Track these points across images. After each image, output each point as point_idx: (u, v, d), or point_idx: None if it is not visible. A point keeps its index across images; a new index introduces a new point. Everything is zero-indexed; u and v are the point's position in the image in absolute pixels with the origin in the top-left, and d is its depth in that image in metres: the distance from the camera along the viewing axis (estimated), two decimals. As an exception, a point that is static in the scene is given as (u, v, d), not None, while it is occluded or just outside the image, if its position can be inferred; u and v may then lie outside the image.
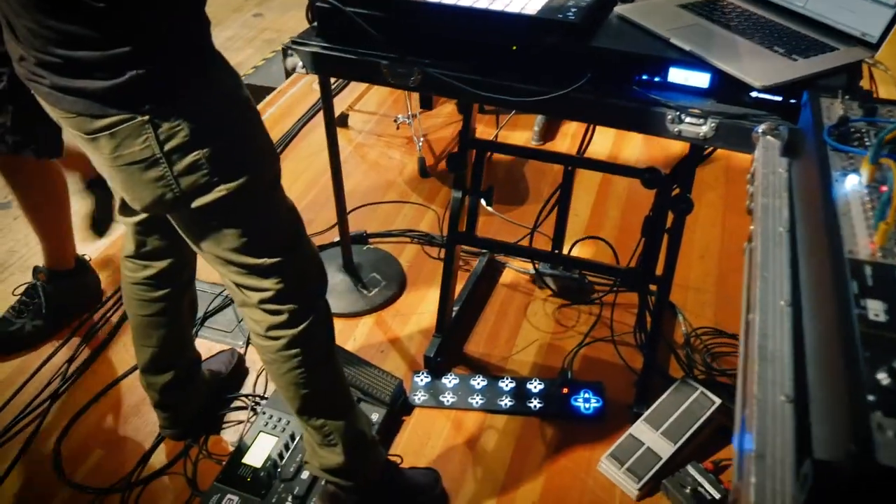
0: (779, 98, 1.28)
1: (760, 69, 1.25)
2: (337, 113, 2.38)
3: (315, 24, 1.60)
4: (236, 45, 4.04)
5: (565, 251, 1.92)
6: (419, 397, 1.94)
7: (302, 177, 2.82)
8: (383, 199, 2.69)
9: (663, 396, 1.82)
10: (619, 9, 1.46)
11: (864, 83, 1.33)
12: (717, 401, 1.80)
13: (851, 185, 0.81)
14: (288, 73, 1.64)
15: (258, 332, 1.37)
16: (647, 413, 1.79)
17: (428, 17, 1.46)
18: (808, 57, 1.29)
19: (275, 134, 3.04)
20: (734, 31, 1.37)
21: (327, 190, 2.56)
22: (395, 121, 2.98)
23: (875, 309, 0.66)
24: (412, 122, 2.91)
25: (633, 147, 2.95)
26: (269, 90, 3.43)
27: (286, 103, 3.32)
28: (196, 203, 1.19)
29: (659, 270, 1.80)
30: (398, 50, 1.48)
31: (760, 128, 1.13)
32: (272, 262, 1.29)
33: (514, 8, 1.41)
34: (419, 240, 2.50)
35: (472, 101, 1.77)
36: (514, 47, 1.43)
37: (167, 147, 1.12)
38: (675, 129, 1.33)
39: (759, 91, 1.24)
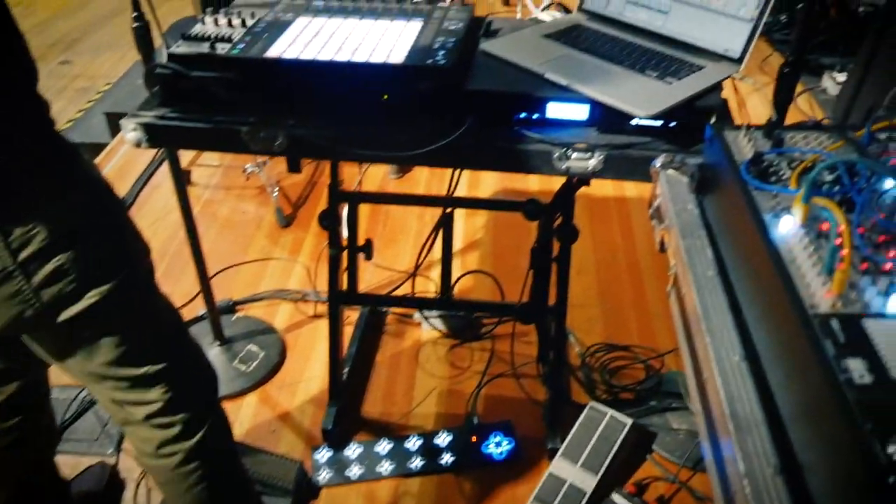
0: (659, 123, 1.26)
1: (639, 97, 1.23)
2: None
3: (155, 90, 1.44)
4: (45, 98, 3.69)
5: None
6: (323, 476, 1.80)
7: (150, 245, 2.57)
8: (245, 260, 2.51)
9: (575, 427, 1.79)
10: (485, 46, 1.41)
11: (729, 96, 1.35)
12: (628, 421, 1.78)
13: (787, 228, 0.78)
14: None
15: (148, 451, 1.19)
16: (563, 448, 1.75)
17: (288, 76, 1.34)
18: (680, 78, 1.28)
19: (110, 202, 2.78)
20: (604, 59, 1.35)
21: (181, 257, 2.36)
22: (244, 171, 2.80)
23: (858, 369, 0.62)
24: (262, 170, 2.75)
25: (491, 174, 2.93)
26: (95, 147, 3.12)
27: (119, 163, 3.04)
28: (63, 316, 1.02)
29: (551, 300, 1.77)
30: (258, 112, 1.34)
31: (658, 161, 1.10)
32: (156, 369, 1.13)
33: (378, 57, 1.32)
34: (292, 298, 2.35)
35: (348, 160, 1.65)
36: (385, 97, 1.34)
37: (22, 256, 0.95)
38: (563, 167, 1.28)
39: (641, 118, 1.23)
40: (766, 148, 0.91)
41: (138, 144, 1.43)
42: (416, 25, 1.43)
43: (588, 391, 1.97)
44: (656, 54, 1.36)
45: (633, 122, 1.26)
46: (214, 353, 2.10)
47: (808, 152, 0.89)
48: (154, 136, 1.41)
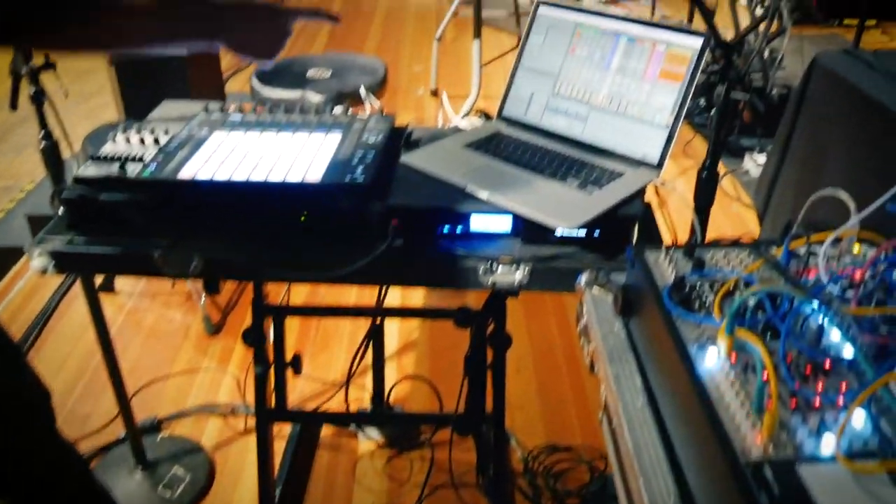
0: (583, 233, 1.25)
1: (560, 208, 1.22)
2: (99, 278, 2.09)
3: (62, 212, 1.37)
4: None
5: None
6: None
7: (68, 362, 2.44)
8: (171, 372, 2.39)
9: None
10: (406, 158, 1.39)
11: (650, 198, 1.35)
12: (575, 532, 1.71)
13: (713, 361, 0.75)
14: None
15: None
16: (508, 566, 1.67)
17: (201, 197, 1.29)
18: (601, 186, 1.28)
19: (26, 314, 2.64)
20: (525, 168, 1.34)
21: (101, 373, 2.23)
22: (170, 278, 2.71)
23: (797, 525, 0.58)
24: (190, 276, 2.65)
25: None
26: (15, 252, 2.98)
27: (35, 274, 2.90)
28: None
29: (489, 406, 1.71)
30: (171, 235, 1.28)
31: (583, 278, 1.08)
32: None
33: (296, 175, 1.28)
34: (220, 413, 2.23)
35: (266, 280, 1.59)
36: (304, 217, 1.29)
37: None
38: (489, 281, 1.25)
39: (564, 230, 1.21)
40: (688, 270, 0.89)
41: (44, 272, 1.35)
42: (334, 138, 1.41)
43: (532, 500, 1.89)
44: (576, 162, 1.36)
45: (557, 232, 1.25)
46: (136, 480, 1.96)
47: (729, 274, 0.87)
48: (61, 262, 1.33)
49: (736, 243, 0.93)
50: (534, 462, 2.01)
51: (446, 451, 2.00)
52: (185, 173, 1.30)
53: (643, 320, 0.89)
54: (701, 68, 1.28)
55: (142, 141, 1.41)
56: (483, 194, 1.26)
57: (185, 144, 1.39)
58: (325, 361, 2.40)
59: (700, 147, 3.67)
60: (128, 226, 1.29)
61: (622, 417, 0.84)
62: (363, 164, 1.31)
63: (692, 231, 1.34)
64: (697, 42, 1.29)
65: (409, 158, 1.38)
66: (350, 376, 1.83)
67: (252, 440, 2.09)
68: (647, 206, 1.34)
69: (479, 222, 1.28)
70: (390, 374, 2.29)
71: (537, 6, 1.49)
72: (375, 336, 1.69)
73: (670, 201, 1.36)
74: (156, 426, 2.16)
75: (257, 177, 1.28)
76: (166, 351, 2.49)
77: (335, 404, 2.18)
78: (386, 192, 1.29)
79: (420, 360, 2.39)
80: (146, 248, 1.29)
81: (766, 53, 3.85)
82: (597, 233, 1.25)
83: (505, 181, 1.30)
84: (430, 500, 1.92)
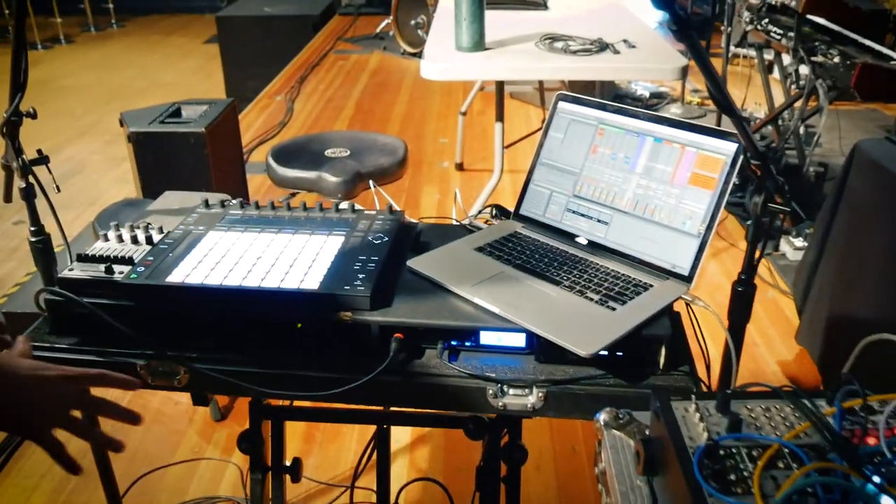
0: (604, 353, 1.13)
1: (579, 330, 1.10)
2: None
3: (45, 316, 1.28)
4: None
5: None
6: None
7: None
8: (171, 461, 2.28)
9: None
10: (412, 263, 1.29)
11: (680, 307, 1.23)
12: None
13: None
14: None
15: None
16: None
17: (190, 304, 1.20)
18: (624, 302, 1.16)
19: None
20: (541, 278, 1.23)
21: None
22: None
23: None
24: (199, 357, 2.56)
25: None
26: (35, 317, 2.91)
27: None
28: None
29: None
30: (157, 345, 1.19)
31: (602, 416, 0.95)
32: None
33: (292, 281, 1.19)
34: (221, 509, 2.11)
35: (256, 397, 1.49)
36: (300, 325, 1.20)
37: None
38: (500, 404, 1.13)
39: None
40: (722, 428, 0.76)
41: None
42: (336, 240, 1.31)
43: None
44: (598, 271, 1.25)
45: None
46: (125, 586, 1.83)
47: (771, 438, 0.74)
48: (39, 369, 1.24)
49: (779, 393, 0.81)
50: (552, 579, 1.85)
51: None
52: (175, 277, 1.21)
53: (669, 489, 0.76)
54: (735, 175, 1.17)
55: (134, 239, 1.33)
56: (495, 309, 1.15)
57: (177, 244, 1.31)
58: (331, 458, 2.27)
59: (733, 228, 3.54)
60: (113, 332, 1.20)
61: None
62: (365, 271, 1.21)
63: (725, 349, 1.22)
64: (731, 147, 1.18)
65: (417, 264, 1.28)
66: (354, 480, 1.71)
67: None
68: (677, 317, 1.22)
69: (490, 338, 1.17)
70: (400, 472, 2.16)
71: (557, 101, 1.40)
72: (381, 442, 1.57)
73: (704, 326, 1.25)
74: (151, 523, 2.04)
75: (251, 282, 1.19)
76: (170, 437, 2.38)
77: (341, 506, 2.05)
78: (389, 301, 1.19)
79: (433, 459, 2.25)
80: (131, 358, 1.21)
81: (801, 129, 3.74)
82: (619, 353, 1.13)
83: (518, 294, 1.19)
84: None
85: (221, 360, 1.18)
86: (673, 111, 5.14)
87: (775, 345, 2.77)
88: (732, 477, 0.71)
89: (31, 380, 0.93)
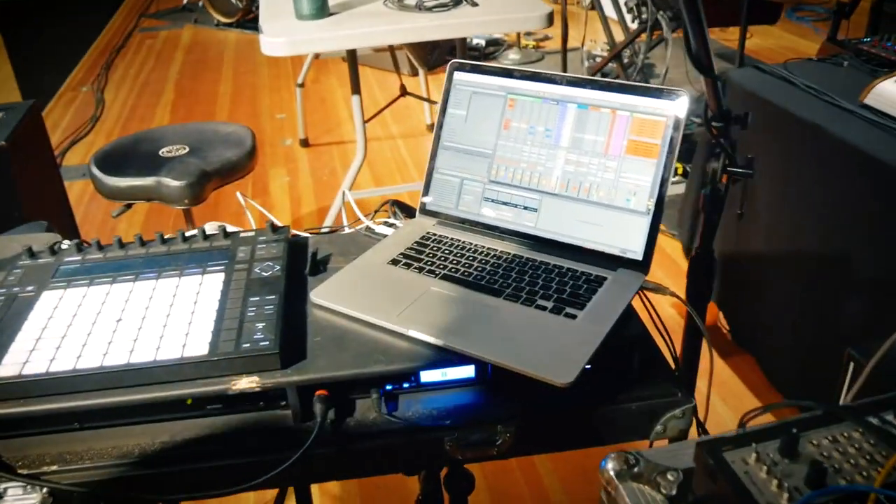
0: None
1: (546, 352, 0.91)
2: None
3: None
4: None
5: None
6: None
7: None
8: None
9: None
10: (316, 295, 1.04)
11: (638, 307, 1.07)
12: None
13: None
14: None
15: None
16: None
17: (34, 401, 0.90)
18: (582, 306, 0.98)
19: None
20: (475, 287, 1.03)
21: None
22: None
23: None
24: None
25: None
26: None
27: None
28: None
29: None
30: (3, 465, 0.89)
31: (609, 465, 0.78)
32: None
33: (171, 348, 0.92)
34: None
35: None
36: (189, 401, 0.93)
37: None
38: (460, 455, 0.93)
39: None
40: (796, 480, 0.60)
41: None
42: (215, 280, 1.05)
43: None
44: (540, 269, 1.06)
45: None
46: None
47: (861, 490, 0.59)
48: None
49: (836, 414, 0.66)
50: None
51: None
52: (7, 368, 0.90)
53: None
54: (681, 138, 1.01)
55: (-62, 319, 1.00)
56: (435, 341, 0.94)
57: (1, 318, 0.99)
58: None
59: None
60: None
61: None
62: (264, 318, 0.96)
63: (687, 324, 1.08)
64: (671, 106, 1.02)
65: (323, 295, 1.03)
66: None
67: None
68: (645, 331, 1.05)
69: (433, 375, 0.96)
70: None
71: (451, 72, 1.19)
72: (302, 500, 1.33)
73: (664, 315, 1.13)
74: None
75: (115, 359, 0.91)
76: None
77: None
78: (302, 352, 0.95)
79: (347, 489, 2.03)
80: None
81: (640, 64, 3.75)
82: (587, 366, 0.95)
83: (457, 315, 0.98)
84: None
85: (94, 468, 0.90)
86: (511, 57, 5.05)
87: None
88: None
89: None
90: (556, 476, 2.00)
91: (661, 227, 2.94)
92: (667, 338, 1.04)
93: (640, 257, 1.05)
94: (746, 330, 2.26)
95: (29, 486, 0.88)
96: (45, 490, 0.88)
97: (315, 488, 1.98)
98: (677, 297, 1.02)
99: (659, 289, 1.03)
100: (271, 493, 1.37)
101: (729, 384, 2.26)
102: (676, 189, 3.13)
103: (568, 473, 2.01)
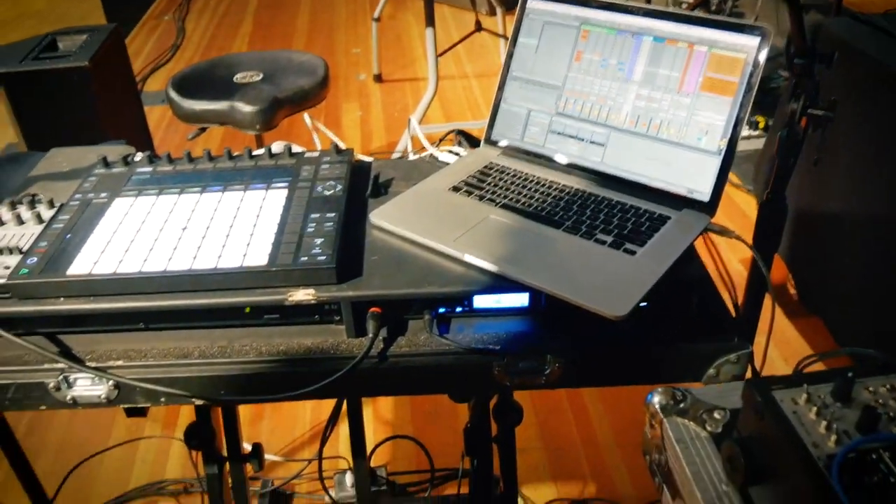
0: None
1: (603, 285, 0.90)
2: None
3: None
4: None
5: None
6: None
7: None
8: (106, 446, 2.03)
9: None
10: (376, 216, 1.05)
11: (702, 252, 1.04)
12: None
13: None
14: None
15: None
16: None
17: (104, 300, 0.94)
18: (643, 243, 0.97)
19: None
20: (536, 220, 1.02)
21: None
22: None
23: None
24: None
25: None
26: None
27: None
28: None
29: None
30: (69, 356, 0.94)
31: (656, 399, 0.77)
32: None
33: (232, 257, 0.94)
34: (171, 493, 1.88)
35: (208, 405, 1.25)
36: (248, 309, 0.96)
37: None
38: (509, 382, 0.94)
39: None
40: (847, 424, 0.59)
41: None
42: (278, 195, 1.06)
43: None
44: (603, 205, 1.04)
45: (591, 308, 0.93)
46: None
47: (920, 433, 0.57)
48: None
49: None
50: (545, 525, 1.73)
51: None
52: (79, 267, 0.94)
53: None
54: (760, 76, 0.97)
55: (19, 218, 1.05)
56: (491, 268, 0.94)
57: (76, 222, 1.03)
58: (285, 429, 2.07)
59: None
60: (11, 347, 0.94)
61: None
62: (323, 234, 0.97)
63: (752, 272, 1.05)
64: (752, 42, 0.97)
65: (382, 217, 1.04)
66: (321, 451, 1.51)
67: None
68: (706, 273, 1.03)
69: (486, 301, 0.96)
70: (368, 432, 1.98)
71: (525, 0, 1.16)
72: (353, 415, 1.36)
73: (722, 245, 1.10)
74: (91, 522, 1.81)
75: (179, 265, 0.94)
76: (100, 418, 2.12)
77: (309, 477, 1.86)
78: (358, 269, 0.96)
79: (398, 411, 2.08)
80: (40, 376, 0.95)
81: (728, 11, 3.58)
82: (644, 304, 0.94)
83: (515, 244, 0.98)
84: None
85: (156, 366, 0.94)
86: None
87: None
88: (877, 491, 0.54)
89: None
90: (608, 421, 2.00)
91: (736, 180, 2.85)
92: (728, 283, 1.02)
93: (707, 199, 1.02)
94: (816, 291, 2.19)
95: (97, 378, 0.93)
96: (111, 382, 0.93)
97: (368, 413, 2.04)
98: (742, 240, 0.99)
99: (724, 231, 1.00)
100: (326, 412, 1.42)
101: (793, 344, 2.20)
102: (756, 144, 3.02)
103: (619, 420, 2.00)
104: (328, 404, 1.46)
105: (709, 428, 0.73)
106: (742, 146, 3.07)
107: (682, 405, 0.75)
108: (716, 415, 0.74)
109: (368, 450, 1.42)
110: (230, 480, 1.42)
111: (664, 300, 0.94)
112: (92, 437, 2.05)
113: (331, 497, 1.74)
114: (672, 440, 0.72)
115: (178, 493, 1.88)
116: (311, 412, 2.10)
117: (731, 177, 2.94)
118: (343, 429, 1.90)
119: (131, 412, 1.12)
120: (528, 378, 0.93)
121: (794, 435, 0.58)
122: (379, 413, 2.05)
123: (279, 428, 2.04)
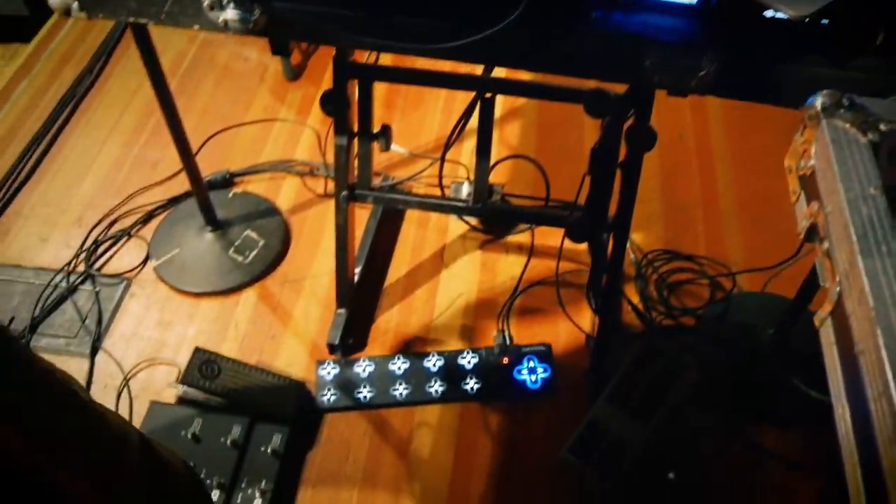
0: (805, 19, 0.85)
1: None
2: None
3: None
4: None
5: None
6: (328, 397, 1.55)
7: (134, 100, 2.20)
8: (244, 120, 2.14)
9: (624, 366, 1.50)
10: None
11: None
12: (687, 363, 1.49)
13: None
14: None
15: None
16: (606, 391, 1.47)
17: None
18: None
19: (82, 51, 2.38)
20: None
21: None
22: (246, 7, 2.36)
23: None
24: (267, 7, 2.30)
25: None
26: (15, 22, 2.63)
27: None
28: None
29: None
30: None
31: (819, 100, 0.72)
32: None
33: None
34: (298, 172, 2.01)
35: (349, 45, 1.25)
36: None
37: None
38: (656, 78, 0.89)
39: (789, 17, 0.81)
40: None
41: (67, 13, 1.05)
42: None
43: (642, 314, 1.66)
44: None
45: (768, 13, 0.86)
46: (207, 241, 1.80)
47: None
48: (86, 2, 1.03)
49: None
50: (648, 268, 1.75)
51: (549, 238, 1.77)
52: None
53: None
54: None
55: None
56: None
57: None
58: (413, 127, 2.11)
59: None
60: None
61: (880, 343, 0.54)
62: None
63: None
64: None
65: None
66: (445, 151, 1.54)
67: (332, 207, 1.89)
68: None
69: (653, -12, 0.89)
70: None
71: None
72: (484, 112, 1.37)
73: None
74: (228, 180, 1.96)
75: None
76: (240, 95, 2.22)
77: (427, 182, 1.93)
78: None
79: (524, 137, 2.07)
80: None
81: None
82: (824, 21, 0.85)
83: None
84: (526, 297, 1.72)
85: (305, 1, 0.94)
86: None
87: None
88: None
89: None
90: (734, 189, 1.94)
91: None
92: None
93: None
94: None
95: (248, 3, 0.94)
96: (258, 10, 0.94)
97: (495, 136, 2.05)
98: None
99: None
100: (456, 118, 1.42)
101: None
102: None
103: (745, 190, 1.93)
104: (459, 110, 1.46)
105: (870, 136, 0.68)
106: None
107: (846, 111, 0.69)
108: (881, 126, 0.68)
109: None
110: (356, 154, 1.47)
111: (847, 20, 0.85)
112: (232, 110, 2.16)
113: (446, 197, 1.81)
114: (827, 139, 0.67)
115: (303, 173, 1.99)
116: (441, 113, 2.13)
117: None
118: (469, 143, 1.94)
119: (276, 49, 1.15)
120: (678, 77, 0.89)
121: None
122: (505, 138, 2.06)
123: (406, 130, 2.08)
